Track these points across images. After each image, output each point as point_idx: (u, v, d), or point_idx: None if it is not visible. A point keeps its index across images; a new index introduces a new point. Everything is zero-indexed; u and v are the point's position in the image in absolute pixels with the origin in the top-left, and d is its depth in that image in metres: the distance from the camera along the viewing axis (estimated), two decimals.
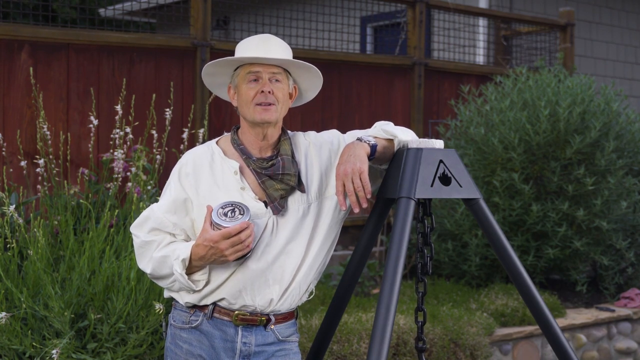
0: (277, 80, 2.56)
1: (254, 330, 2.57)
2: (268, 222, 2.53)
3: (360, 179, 2.46)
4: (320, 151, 2.66)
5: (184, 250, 2.47)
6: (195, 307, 2.58)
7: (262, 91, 2.53)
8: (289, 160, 2.57)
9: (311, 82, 2.68)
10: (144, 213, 2.60)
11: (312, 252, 2.59)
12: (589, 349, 5.88)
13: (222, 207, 2.43)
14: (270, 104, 2.53)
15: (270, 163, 2.55)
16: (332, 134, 2.73)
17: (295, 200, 2.57)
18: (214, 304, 2.55)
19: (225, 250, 2.40)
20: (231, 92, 2.64)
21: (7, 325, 3.60)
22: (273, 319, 2.58)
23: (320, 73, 2.65)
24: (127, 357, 3.75)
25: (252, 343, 2.57)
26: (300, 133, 2.71)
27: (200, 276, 2.52)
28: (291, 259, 2.55)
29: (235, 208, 2.43)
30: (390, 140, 2.63)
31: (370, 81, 6.91)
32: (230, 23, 9.54)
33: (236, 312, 2.54)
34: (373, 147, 2.55)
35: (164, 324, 3.80)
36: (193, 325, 2.58)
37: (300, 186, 2.57)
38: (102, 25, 7.94)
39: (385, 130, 2.63)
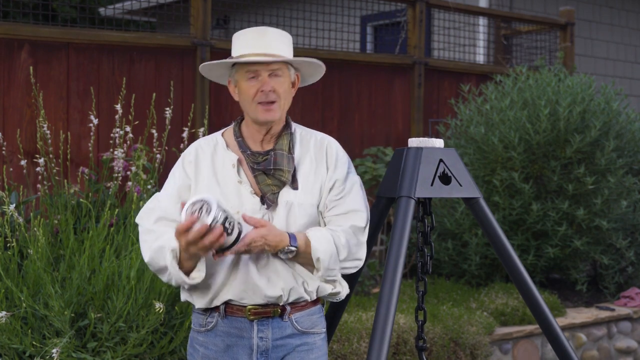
0: (276, 75, 2.49)
1: (270, 323, 2.51)
2: (263, 217, 2.48)
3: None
4: (329, 164, 2.58)
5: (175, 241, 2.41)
6: (209, 309, 2.55)
7: (263, 90, 2.47)
8: (282, 155, 2.51)
9: (313, 69, 2.63)
10: (149, 204, 2.57)
11: None
12: (589, 348, 5.88)
13: (192, 204, 2.31)
14: (272, 102, 2.47)
15: (264, 158, 2.51)
16: (343, 164, 2.60)
17: (288, 195, 2.51)
18: (225, 303, 2.52)
19: (189, 246, 2.32)
20: (232, 87, 2.59)
21: (7, 324, 3.60)
22: (288, 308, 2.52)
23: (319, 62, 2.59)
24: (127, 356, 3.75)
25: (268, 337, 2.51)
26: (319, 135, 2.63)
27: (195, 273, 2.46)
28: None
29: (203, 205, 2.29)
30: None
31: (370, 80, 6.90)
32: (230, 22, 9.54)
33: (248, 306, 2.50)
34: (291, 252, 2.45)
35: None
36: (209, 328, 2.55)
37: (293, 184, 2.52)
38: (102, 24, 7.95)
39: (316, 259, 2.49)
